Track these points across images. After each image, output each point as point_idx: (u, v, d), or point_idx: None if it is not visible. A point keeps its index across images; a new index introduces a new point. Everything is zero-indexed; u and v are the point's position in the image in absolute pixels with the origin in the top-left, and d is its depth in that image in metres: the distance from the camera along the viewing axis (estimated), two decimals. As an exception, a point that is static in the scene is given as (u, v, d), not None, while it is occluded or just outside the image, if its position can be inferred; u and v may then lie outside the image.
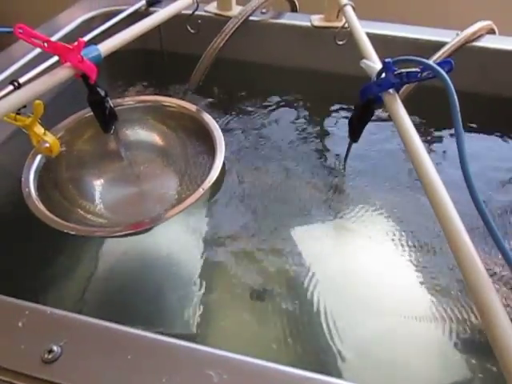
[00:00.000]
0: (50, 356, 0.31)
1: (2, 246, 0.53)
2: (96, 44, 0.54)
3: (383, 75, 0.47)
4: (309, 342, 0.44)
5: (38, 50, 0.64)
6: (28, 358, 0.32)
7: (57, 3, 0.81)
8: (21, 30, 0.47)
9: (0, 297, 0.36)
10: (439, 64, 0.43)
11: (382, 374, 0.43)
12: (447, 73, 0.43)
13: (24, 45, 0.57)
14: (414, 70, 0.45)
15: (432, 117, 0.70)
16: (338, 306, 0.48)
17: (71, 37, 0.71)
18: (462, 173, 0.33)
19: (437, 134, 0.69)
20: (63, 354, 0.32)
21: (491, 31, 0.75)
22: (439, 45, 0.69)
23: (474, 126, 0.70)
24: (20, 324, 0.34)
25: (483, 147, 0.67)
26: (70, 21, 0.75)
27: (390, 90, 0.47)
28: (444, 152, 0.66)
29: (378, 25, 0.75)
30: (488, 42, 0.73)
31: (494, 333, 0.28)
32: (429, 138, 0.68)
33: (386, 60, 0.45)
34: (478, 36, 0.72)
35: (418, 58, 0.43)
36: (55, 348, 0.32)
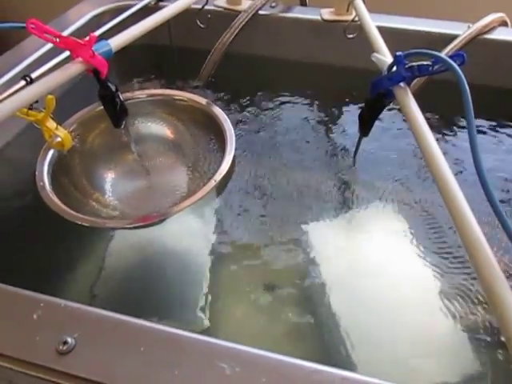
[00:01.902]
0: (64, 347, 0.32)
1: (16, 238, 0.54)
2: (106, 39, 0.54)
3: (394, 69, 0.46)
4: (318, 335, 0.45)
5: (49, 45, 0.64)
6: (43, 349, 0.32)
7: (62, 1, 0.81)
8: (33, 26, 0.47)
9: (15, 289, 0.36)
10: (451, 57, 0.43)
11: (389, 367, 0.43)
12: (459, 66, 0.42)
13: (35, 40, 0.58)
14: (425, 63, 0.45)
15: (444, 110, 0.70)
16: (348, 299, 0.48)
17: (82, 32, 0.72)
18: (475, 168, 0.33)
19: (449, 127, 0.69)
20: (77, 345, 0.32)
21: (504, 23, 0.74)
22: (451, 37, 0.69)
23: (485, 118, 0.70)
24: (35, 316, 0.34)
25: (495, 140, 0.67)
26: (81, 16, 0.76)
27: (402, 84, 0.46)
28: (457, 146, 0.65)
29: (389, 18, 0.74)
30: (500, 35, 0.72)
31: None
32: (441, 131, 0.68)
33: (398, 53, 0.45)
34: (490, 28, 0.72)
35: (430, 51, 0.43)
36: (69, 340, 0.32)
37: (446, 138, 0.67)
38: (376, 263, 0.52)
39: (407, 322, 0.46)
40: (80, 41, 0.49)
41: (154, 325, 0.33)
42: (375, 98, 0.51)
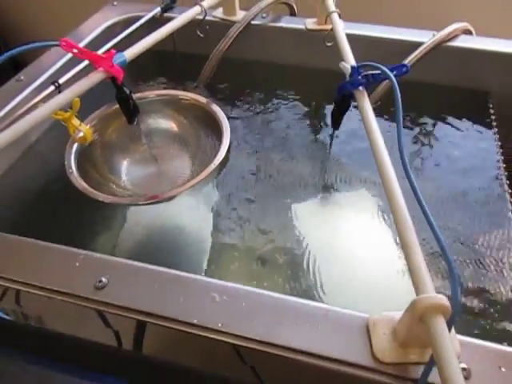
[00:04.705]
0: (100, 284, 0.43)
1: (52, 214, 0.63)
2: (117, 47, 0.63)
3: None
4: (296, 286, 0.54)
5: (69, 55, 0.73)
6: (84, 285, 0.43)
7: (78, 12, 0.91)
8: (64, 43, 0.58)
9: (61, 246, 0.47)
10: (397, 66, 0.53)
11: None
12: (403, 74, 0.53)
13: (57, 50, 0.67)
14: (378, 71, 0.55)
15: (418, 110, 0.78)
16: (326, 266, 0.56)
17: (97, 41, 0.81)
18: (402, 165, 0.41)
19: (421, 126, 0.76)
20: (109, 283, 0.43)
21: (467, 32, 0.81)
22: (417, 44, 0.76)
23: (444, 115, 0.78)
24: (77, 264, 0.45)
25: (449, 135, 0.75)
26: (96, 27, 0.85)
27: (360, 88, 0.56)
28: (424, 143, 0.73)
29: (363, 26, 0.82)
30: (461, 42, 0.79)
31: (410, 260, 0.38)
32: (413, 130, 0.76)
33: (352, 65, 0.55)
34: (453, 36, 0.79)
35: (375, 64, 0.52)
36: (103, 279, 0.43)
37: (417, 135, 0.75)
38: (351, 237, 0.59)
39: (374, 281, 0.54)
40: (102, 55, 0.59)
41: (164, 269, 0.44)
42: (341, 99, 0.60)
